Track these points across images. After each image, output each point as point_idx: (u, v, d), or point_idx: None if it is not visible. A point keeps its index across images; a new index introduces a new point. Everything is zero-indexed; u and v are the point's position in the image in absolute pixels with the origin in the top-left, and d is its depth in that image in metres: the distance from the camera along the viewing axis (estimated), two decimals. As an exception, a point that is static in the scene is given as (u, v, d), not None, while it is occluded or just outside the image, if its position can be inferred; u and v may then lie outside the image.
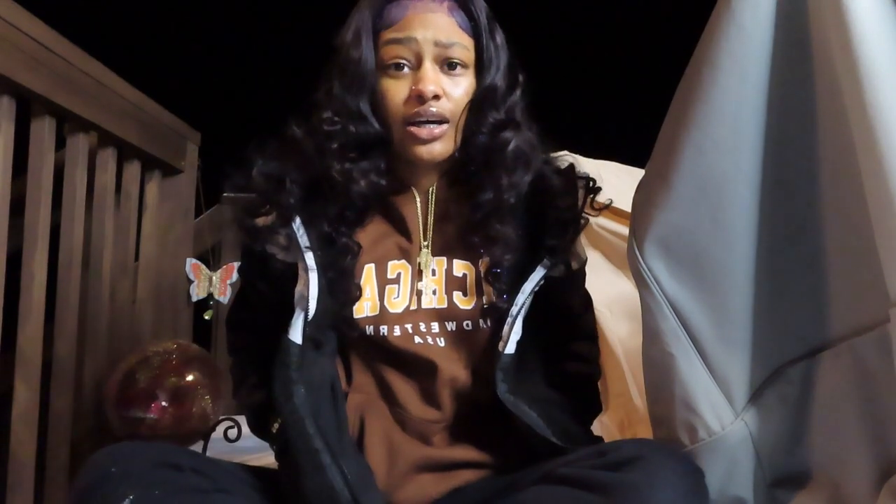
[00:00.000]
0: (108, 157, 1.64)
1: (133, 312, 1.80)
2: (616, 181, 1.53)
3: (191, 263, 2.02)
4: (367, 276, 0.92)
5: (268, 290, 0.92)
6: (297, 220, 0.87)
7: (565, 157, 1.00)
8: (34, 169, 1.38)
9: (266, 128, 0.93)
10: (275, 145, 0.92)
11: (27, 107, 1.35)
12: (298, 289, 0.85)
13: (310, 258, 0.85)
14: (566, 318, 0.97)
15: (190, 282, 2.03)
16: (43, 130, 1.38)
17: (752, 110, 0.70)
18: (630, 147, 1.25)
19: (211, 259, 2.10)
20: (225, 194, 2.19)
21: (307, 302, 0.84)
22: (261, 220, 0.89)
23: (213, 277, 2.06)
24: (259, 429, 0.97)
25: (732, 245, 0.73)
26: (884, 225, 0.62)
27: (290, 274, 0.87)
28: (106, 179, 1.64)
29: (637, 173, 0.85)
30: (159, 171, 1.93)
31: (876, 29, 0.61)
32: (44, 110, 1.38)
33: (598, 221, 1.48)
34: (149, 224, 1.89)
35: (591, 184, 0.95)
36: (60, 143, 1.47)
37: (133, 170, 1.78)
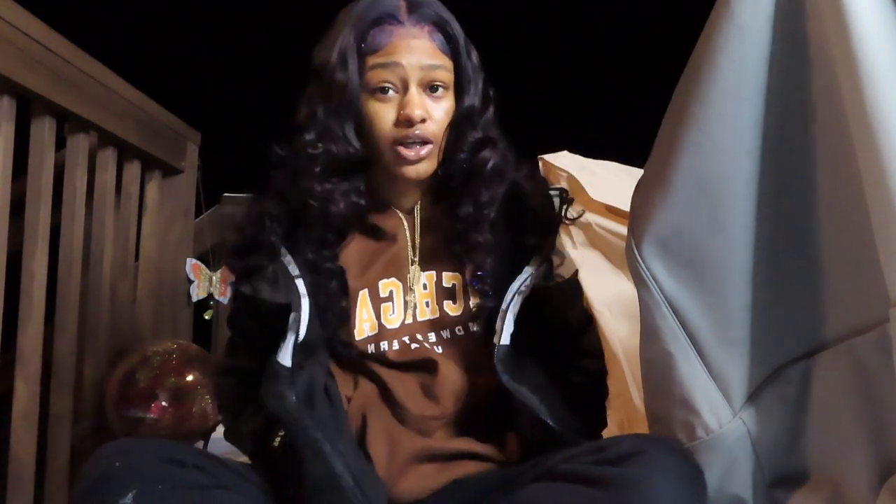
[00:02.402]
0: (108, 157, 1.64)
1: (133, 312, 1.80)
2: (616, 181, 1.53)
3: (191, 263, 2.02)
4: (363, 301, 0.95)
5: (258, 331, 0.93)
6: (283, 250, 0.90)
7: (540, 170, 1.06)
8: (34, 169, 1.38)
9: (265, 128, 0.94)
10: (258, 185, 0.95)
11: (27, 107, 1.35)
12: (292, 315, 0.88)
13: (300, 284, 0.88)
14: (567, 334, 0.99)
15: (190, 282, 2.03)
16: (43, 130, 1.38)
17: (751, 110, 0.70)
18: (630, 147, 1.25)
19: (211, 259, 2.10)
20: (225, 194, 2.19)
21: (298, 326, 0.86)
22: (248, 261, 0.92)
23: (213, 277, 2.06)
24: (259, 453, 0.96)
25: (731, 245, 0.73)
26: (884, 225, 0.62)
27: (281, 314, 0.89)
28: (106, 179, 1.64)
29: (637, 173, 0.85)
30: (159, 171, 1.93)
31: (876, 29, 0.61)
32: (44, 110, 1.38)
33: (598, 221, 1.48)
34: (149, 224, 1.89)
35: (563, 194, 1.00)
36: (60, 143, 1.47)
37: (133, 170, 1.78)
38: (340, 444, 0.82)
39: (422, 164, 0.93)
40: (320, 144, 0.91)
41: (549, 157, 1.57)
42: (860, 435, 0.70)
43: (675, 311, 0.76)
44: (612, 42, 2.75)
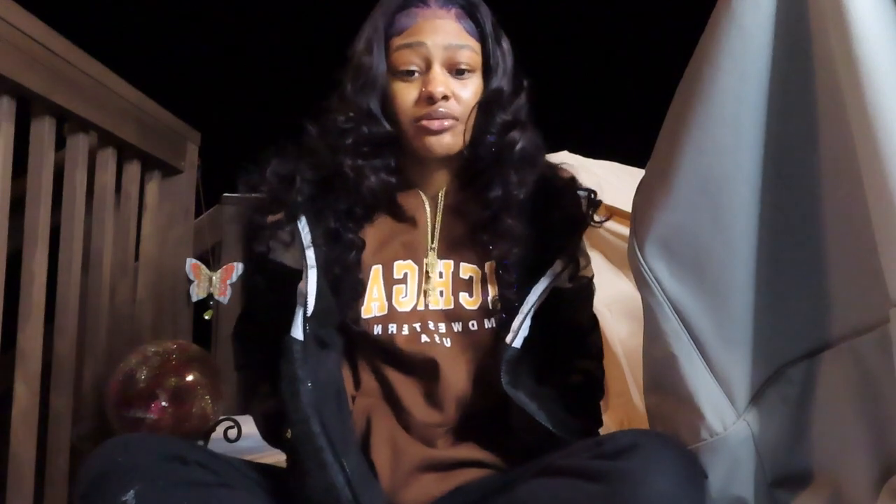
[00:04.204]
0: (108, 157, 1.64)
1: (133, 312, 1.80)
2: (616, 181, 1.53)
3: (191, 263, 2.02)
4: (375, 278, 0.94)
5: (272, 295, 0.92)
6: (303, 219, 0.89)
7: (566, 165, 1.02)
8: (34, 169, 1.38)
9: (265, 128, 0.94)
10: (289, 146, 0.94)
11: (27, 107, 1.35)
12: (300, 286, 0.86)
13: (310, 256, 0.87)
14: (574, 335, 0.99)
15: (190, 282, 2.02)
16: (43, 130, 1.38)
17: (753, 110, 0.70)
18: (630, 147, 1.25)
19: (211, 259, 2.10)
20: (225, 194, 2.18)
21: (306, 298, 0.85)
22: (268, 218, 0.91)
23: (213, 277, 2.06)
24: (271, 437, 0.97)
25: (733, 245, 0.73)
26: (884, 225, 0.62)
27: (294, 277, 0.88)
28: (106, 179, 1.63)
29: (637, 173, 0.85)
30: (159, 171, 1.93)
31: (876, 29, 0.61)
32: (44, 110, 1.38)
33: (598, 221, 1.48)
34: (149, 224, 1.88)
35: (592, 195, 0.98)
36: (60, 143, 1.47)
37: (133, 170, 1.78)
38: (344, 453, 0.80)
39: (445, 136, 0.91)
40: (351, 116, 0.92)
41: (548, 157, 1.57)
42: (861, 435, 0.69)
43: (679, 313, 0.76)
44: (612, 42, 2.75)
